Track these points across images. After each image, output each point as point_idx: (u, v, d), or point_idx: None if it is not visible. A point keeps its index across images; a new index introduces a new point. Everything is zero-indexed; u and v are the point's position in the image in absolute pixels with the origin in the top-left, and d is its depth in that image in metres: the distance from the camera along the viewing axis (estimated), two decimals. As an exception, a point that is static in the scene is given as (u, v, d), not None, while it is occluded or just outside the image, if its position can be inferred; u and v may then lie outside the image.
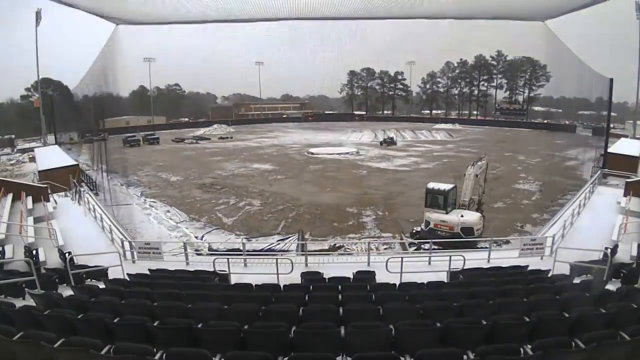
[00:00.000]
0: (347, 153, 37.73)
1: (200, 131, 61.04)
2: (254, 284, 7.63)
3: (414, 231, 15.90)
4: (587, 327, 4.57)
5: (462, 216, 14.64)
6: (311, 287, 7.29)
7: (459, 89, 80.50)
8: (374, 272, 8.82)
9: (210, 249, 14.01)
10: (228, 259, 9.77)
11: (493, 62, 75.51)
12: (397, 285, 7.62)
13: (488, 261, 10.37)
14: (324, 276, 8.50)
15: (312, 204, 20.36)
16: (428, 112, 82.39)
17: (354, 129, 54.80)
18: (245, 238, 15.58)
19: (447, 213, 14.77)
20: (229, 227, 17.47)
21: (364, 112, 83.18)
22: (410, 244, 14.80)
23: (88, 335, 4.40)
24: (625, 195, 14.95)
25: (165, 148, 45.62)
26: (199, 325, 4.78)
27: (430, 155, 36.58)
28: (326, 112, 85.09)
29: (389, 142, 43.39)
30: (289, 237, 15.61)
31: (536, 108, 72.70)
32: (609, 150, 22.90)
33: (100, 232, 12.83)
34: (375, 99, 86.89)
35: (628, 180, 15.96)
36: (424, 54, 72.65)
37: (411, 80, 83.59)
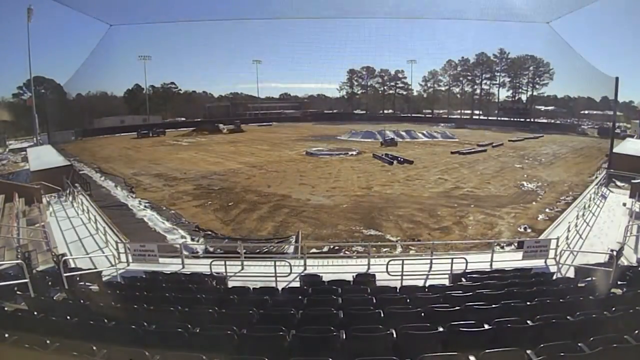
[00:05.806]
0: (347, 153, 37.55)
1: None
2: (251, 287, 7.55)
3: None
4: (592, 331, 4.48)
5: None
6: (310, 290, 7.21)
7: (460, 86, 80.00)
8: (374, 275, 8.71)
9: (206, 251, 13.86)
10: (225, 261, 9.67)
11: (495, 59, 74.90)
12: (398, 288, 7.51)
13: (491, 264, 10.23)
14: (323, 279, 8.40)
15: (311, 205, 20.23)
16: (429, 111, 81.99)
17: (354, 128, 54.53)
18: (243, 240, 15.40)
19: None
20: (226, 229, 17.30)
21: (364, 111, 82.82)
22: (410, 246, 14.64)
23: (81, 339, 4.32)
24: (631, 196, 14.74)
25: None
26: (195, 330, 4.69)
27: (431, 155, 36.40)
28: (325, 111, 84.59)
29: (389, 143, 43.25)
30: (288, 239, 15.42)
31: (540, 107, 72.02)
32: (614, 150, 22.65)
33: (95, 233, 12.73)
34: (376, 99, 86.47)
35: (634, 181, 15.66)
36: (424, 53, 72.74)
37: (412, 79, 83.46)
